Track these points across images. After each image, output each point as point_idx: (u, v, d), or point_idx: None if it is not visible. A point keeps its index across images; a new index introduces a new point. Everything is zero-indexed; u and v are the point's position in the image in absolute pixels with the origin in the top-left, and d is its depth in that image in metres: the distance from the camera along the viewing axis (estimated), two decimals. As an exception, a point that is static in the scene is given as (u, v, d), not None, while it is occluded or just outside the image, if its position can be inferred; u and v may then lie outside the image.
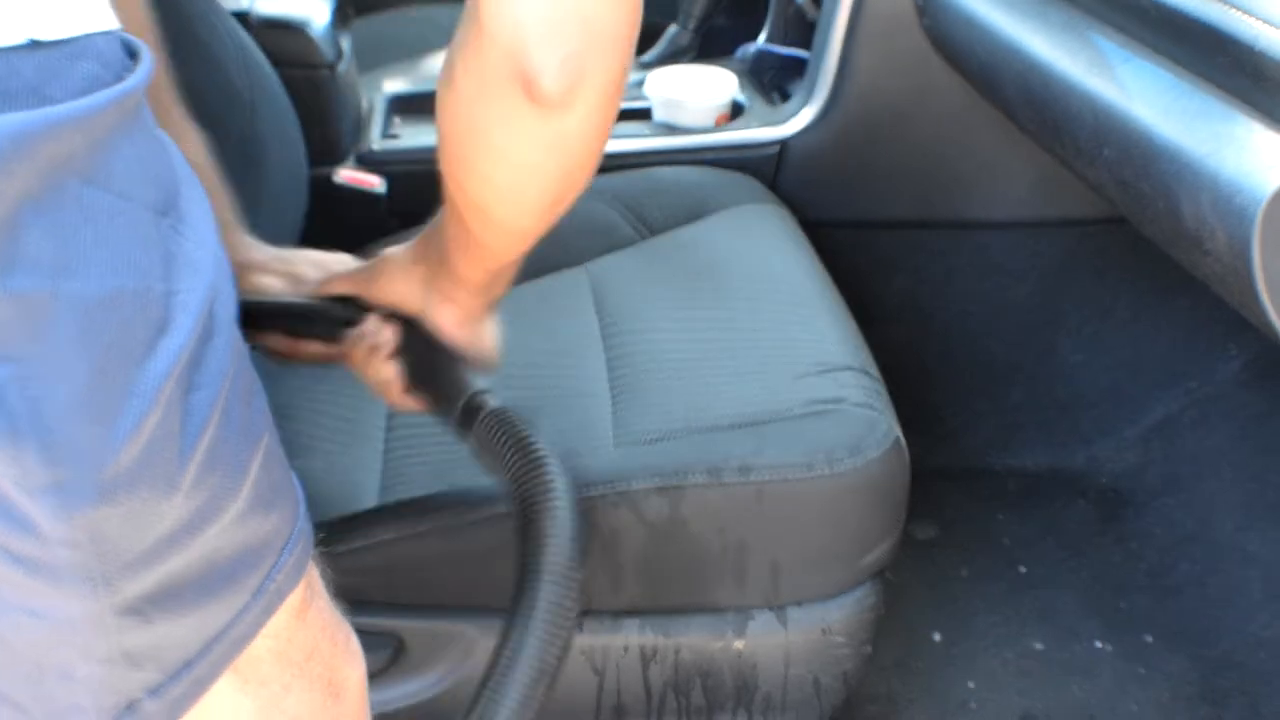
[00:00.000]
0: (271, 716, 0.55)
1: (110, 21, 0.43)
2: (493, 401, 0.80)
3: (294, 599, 0.53)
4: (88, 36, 0.41)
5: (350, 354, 0.80)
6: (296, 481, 0.54)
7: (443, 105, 0.64)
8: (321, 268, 0.83)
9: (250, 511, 0.48)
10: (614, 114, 0.63)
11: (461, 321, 0.79)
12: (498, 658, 0.69)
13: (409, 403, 0.83)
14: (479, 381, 0.82)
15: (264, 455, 0.49)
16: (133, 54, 0.44)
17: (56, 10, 0.40)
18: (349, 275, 0.83)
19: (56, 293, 0.38)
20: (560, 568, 0.70)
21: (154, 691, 0.46)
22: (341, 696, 0.60)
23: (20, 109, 0.38)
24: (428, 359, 0.81)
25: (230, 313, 0.47)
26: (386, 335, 0.80)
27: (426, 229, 0.79)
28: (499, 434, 0.77)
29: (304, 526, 0.53)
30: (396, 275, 0.80)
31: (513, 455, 0.76)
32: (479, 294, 0.78)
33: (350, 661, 0.61)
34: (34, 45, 0.39)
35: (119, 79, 0.42)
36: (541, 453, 0.75)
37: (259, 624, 0.50)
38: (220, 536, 0.46)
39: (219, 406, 0.45)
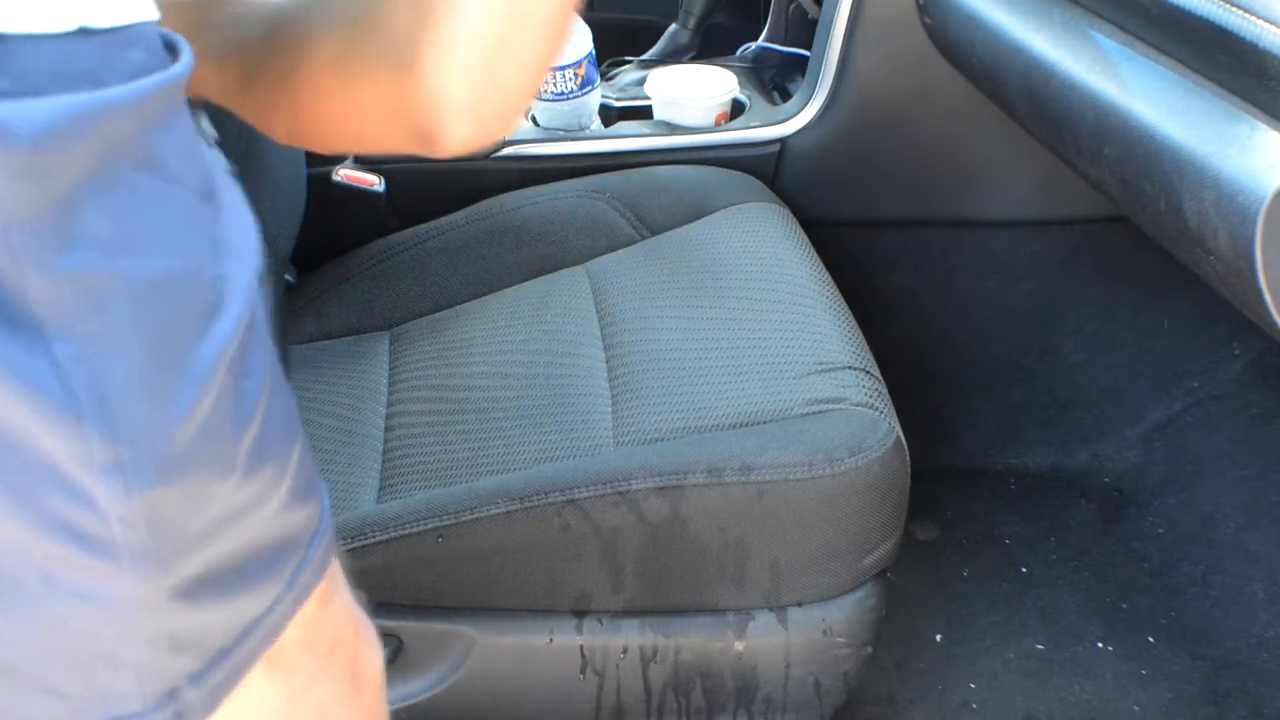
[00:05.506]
0: (299, 706, 0.56)
1: (153, 12, 0.44)
2: None
3: (319, 589, 0.54)
4: (136, 25, 0.42)
5: None
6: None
7: (327, 90, 0.61)
8: None
9: (289, 503, 0.49)
10: None
11: None
12: None
13: None
14: None
15: (301, 448, 0.51)
16: (169, 47, 0.45)
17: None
18: None
19: (113, 273, 0.39)
20: None
21: (194, 678, 0.47)
22: (363, 686, 0.61)
23: (76, 93, 0.39)
24: None
25: (266, 309, 0.48)
26: None
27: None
28: None
29: (328, 520, 0.54)
30: None
31: None
32: None
33: (370, 652, 0.62)
34: (84, 33, 0.40)
35: (163, 67, 0.43)
36: None
37: (291, 613, 0.51)
38: (263, 525, 0.47)
39: (265, 395, 0.47)
